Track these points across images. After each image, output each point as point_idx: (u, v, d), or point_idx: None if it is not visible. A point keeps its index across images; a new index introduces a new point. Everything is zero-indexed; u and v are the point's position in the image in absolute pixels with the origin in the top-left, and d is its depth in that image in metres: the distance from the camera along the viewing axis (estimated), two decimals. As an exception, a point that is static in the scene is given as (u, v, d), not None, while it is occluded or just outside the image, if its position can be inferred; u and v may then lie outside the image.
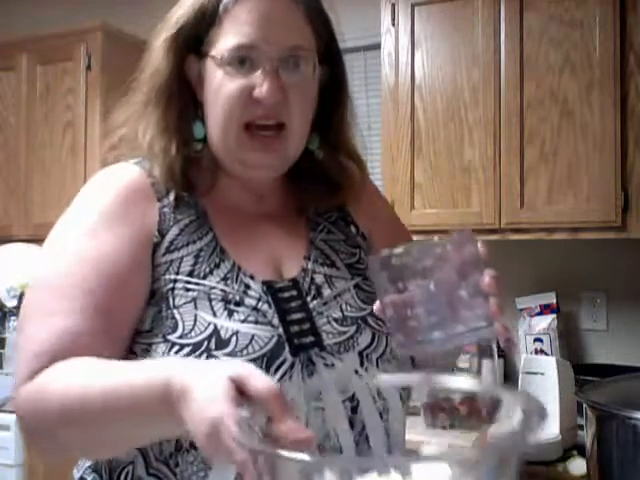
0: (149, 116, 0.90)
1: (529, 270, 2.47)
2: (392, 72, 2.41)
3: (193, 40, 0.89)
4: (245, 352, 0.80)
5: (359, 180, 1.00)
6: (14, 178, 3.01)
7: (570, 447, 1.86)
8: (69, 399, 0.73)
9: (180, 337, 0.80)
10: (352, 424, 0.83)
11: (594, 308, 2.48)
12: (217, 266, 0.86)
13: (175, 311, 0.82)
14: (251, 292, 0.85)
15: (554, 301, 2.42)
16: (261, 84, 0.85)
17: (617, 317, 2.46)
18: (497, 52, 2.26)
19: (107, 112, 3.08)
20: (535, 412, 0.54)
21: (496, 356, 2.41)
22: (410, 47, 2.38)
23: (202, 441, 0.60)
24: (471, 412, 2.28)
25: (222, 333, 0.80)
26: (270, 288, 0.87)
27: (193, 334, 0.80)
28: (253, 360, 0.79)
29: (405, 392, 0.91)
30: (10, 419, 2.56)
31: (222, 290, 0.84)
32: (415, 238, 1.19)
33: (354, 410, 0.83)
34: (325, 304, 0.89)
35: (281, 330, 0.84)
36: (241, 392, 0.59)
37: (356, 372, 0.85)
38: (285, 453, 0.51)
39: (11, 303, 2.74)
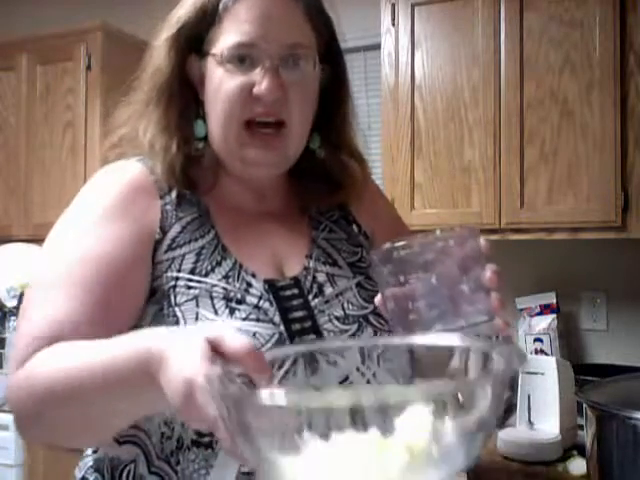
0: (150, 115, 0.91)
1: (529, 270, 2.47)
2: (392, 72, 2.41)
3: (194, 39, 0.89)
4: None
5: (361, 179, 1.00)
6: (14, 178, 3.01)
7: (570, 447, 1.86)
8: (54, 379, 0.72)
9: None
10: (354, 421, 0.83)
11: (594, 308, 2.48)
12: (219, 264, 0.86)
13: (177, 309, 0.82)
14: (253, 290, 0.85)
15: (554, 301, 2.42)
16: (261, 81, 0.85)
17: (617, 317, 2.46)
18: (497, 52, 2.26)
19: (107, 112, 3.08)
20: (514, 356, 0.54)
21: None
22: (410, 47, 2.38)
23: (178, 403, 0.59)
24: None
25: None
26: (272, 286, 0.87)
27: None
28: None
29: None
30: (10, 419, 2.55)
31: (224, 288, 0.84)
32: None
33: None
34: (327, 302, 0.89)
35: (282, 328, 0.84)
36: (219, 353, 0.59)
37: (357, 369, 0.85)
38: (262, 393, 0.50)
39: (11, 303, 2.74)
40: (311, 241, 0.96)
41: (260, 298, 0.85)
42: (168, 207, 0.88)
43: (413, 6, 2.38)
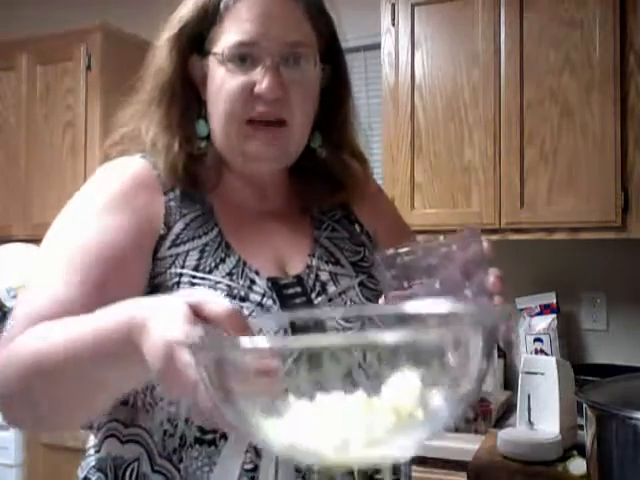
0: (152, 114, 0.91)
1: (529, 270, 2.47)
2: (392, 72, 2.42)
3: (196, 39, 0.90)
4: None
5: (362, 179, 1.00)
6: (14, 178, 3.01)
7: (570, 447, 1.86)
8: (40, 353, 0.72)
9: None
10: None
11: (594, 308, 2.48)
12: (222, 261, 0.86)
13: None
14: (256, 288, 0.86)
15: (554, 301, 2.42)
16: (261, 80, 0.85)
17: (617, 317, 2.46)
18: (497, 52, 2.26)
19: (107, 112, 3.07)
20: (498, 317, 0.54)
21: (496, 356, 2.41)
22: (410, 47, 2.38)
23: (158, 367, 0.58)
24: (478, 414, 2.26)
25: None
26: (275, 284, 0.87)
27: None
28: None
29: None
30: (10, 419, 2.56)
31: (227, 285, 0.84)
32: (416, 238, 1.20)
33: None
34: (330, 301, 0.89)
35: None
36: (201, 318, 0.59)
37: (359, 366, 0.86)
38: (243, 340, 0.50)
39: (11, 303, 2.73)
40: (314, 240, 0.96)
41: (263, 296, 0.85)
42: (172, 203, 0.89)
43: (413, 6, 2.38)
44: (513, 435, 1.87)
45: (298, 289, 0.88)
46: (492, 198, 2.25)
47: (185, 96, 0.91)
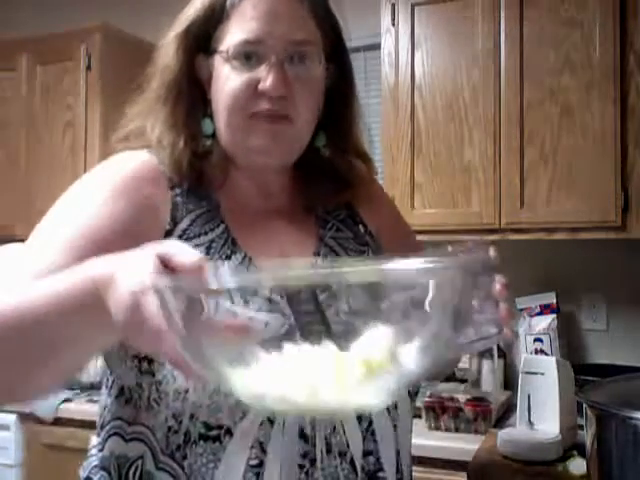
0: (158, 112, 0.92)
1: (529, 270, 2.47)
2: (392, 72, 2.41)
3: (203, 38, 0.90)
4: None
5: (367, 178, 1.00)
6: (14, 178, 3.01)
7: (570, 447, 1.86)
8: (5, 313, 0.70)
9: None
10: (359, 418, 0.84)
11: (594, 308, 2.48)
12: (229, 257, 0.87)
13: None
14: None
15: (554, 301, 2.42)
16: (266, 78, 0.86)
17: (617, 317, 2.46)
18: (497, 52, 2.26)
19: (107, 112, 3.05)
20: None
21: (496, 356, 2.41)
22: (410, 47, 2.38)
23: (122, 318, 0.58)
24: (478, 414, 2.27)
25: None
26: None
27: None
28: None
29: (414, 388, 0.92)
30: (10, 419, 2.56)
31: None
32: (416, 238, 1.20)
33: None
34: (334, 297, 0.90)
35: (292, 319, 0.84)
36: (169, 268, 0.58)
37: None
38: (211, 273, 0.50)
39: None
40: (319, 239, 0.96)
41: (272, 291, 0.86)
42: (179, 199, 0.89)
43: (413, 6, 2.38)
44: (513, 435, 1.87)
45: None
46: (492, 198, 2.25)
47: (191, 95, 0.91)
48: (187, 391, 0.79)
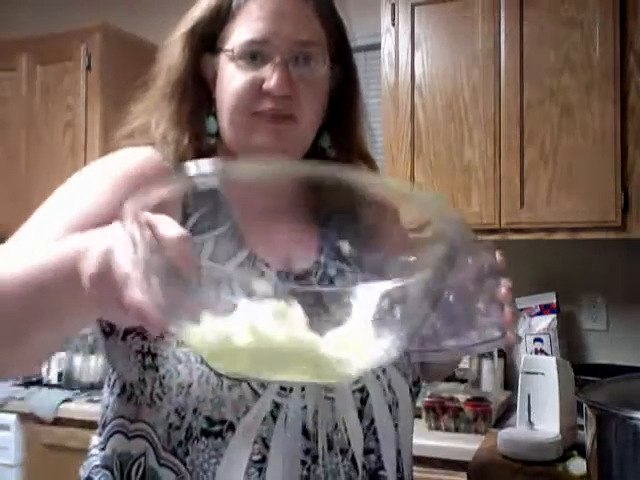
0: (163, 110, 0.92)
1: (529, 270, 2.47)
2: (392, 72, 2.42)
3: (209, 37, 0.91)
4: None
5: None
6: (14, 178, 3.01)
7: (570, 447, 1.86)
8: None
9: None
10: (361, 416, 0.84)
11: (594, 308, 2.48)
12: (234, 254, 0.87)
13: None
14: (267, 279, 0.86)
15: (554, 301, 2.42)
16: (270, 77, 0.86)
17: (617, 317, 2.46)
18: (497, 52, 2.26)
19: (107, 112, 3.05)
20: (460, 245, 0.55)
21: (496, 356, 2.41)
22: (410, 47, 2.39)
23: (89, 278, 0.58)
24: (478, 414, 2.27)
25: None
26: (285, 278, 0.88)
27: None
28: None
29: (415, 388, 0.92)
30: (10, 419, 2.56)
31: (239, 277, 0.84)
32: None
33: (363, 402, 0.84)
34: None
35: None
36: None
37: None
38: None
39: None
40: (321, 238, 0.96)
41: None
42: (186, 194, 0.89)
43: (413, 6, 2.38)
44: (513, 435, 1.87)
45: (306, 282, 0.89)
46: (492, 198, 2.25)
47: (196, 93, 0.92)
48: (190, 385, 0.79)
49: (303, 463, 0.80)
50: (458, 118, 2.31)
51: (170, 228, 0.56)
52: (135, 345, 0.84)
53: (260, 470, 0.79)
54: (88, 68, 2.85)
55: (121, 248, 0.56)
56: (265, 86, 0.86)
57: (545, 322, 2.39)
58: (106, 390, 0.92)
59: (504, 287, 0.76)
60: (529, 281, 2.45)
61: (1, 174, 3.05)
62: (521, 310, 2.43)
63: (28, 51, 2.98)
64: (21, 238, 0.83)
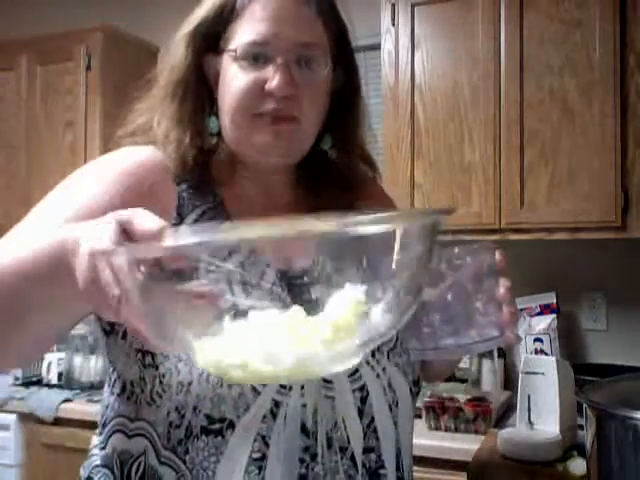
0: (165, 109, 0.92)
1: (529, 270, 2.47)
2: (392, 72, 2.42)
3: (212, 37, 0.91)
4: None
5: (371, 183, 1.01)
6: (14, 178, 3.01)
7: (570, 447, 1.86)
8: None
9: None
10: (361, 415, 0.84)
11: (594, 308, 2.48)
12: (234, 251, 0.87)
13: None
14: (266, 277, 0.86)
15: (554, 301, 2.42)
16: (272, 78, 0.86)
17: (617, 317, 2.46)
18: (497, 52, 2.26)
19: (107, 112, 3.05)
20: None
21: (496, 356, 2.41)
22: (410, 47, 2.39)
23: (82, 280, 0.59)
24: (478, 414, 2.27)
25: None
26: (284, 276, 0.88)
27: None
28: None
29: (416, 387, 0.92)
30: (10, 419, 2.56)
31: (240, 274, 0.85)
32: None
33: (363, 400, 0.84)
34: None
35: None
36: (130, 235, 0.59)
37: (367, 363, 0.86)
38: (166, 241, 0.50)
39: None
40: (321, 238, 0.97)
41: (273, 284, 0.86)
42: (184, 194, 0.90)
43: (413, 6, 2.38)
44: (513, 435, 1.87)
45: (306, 280, 0.89)
46: (492, 198, 2.25)
47: (198, 93, 0.92)
48: (190, 383, 0.79)
49: (302, 461, 0.80)
50: (458, 118, 2.31)
51: (148, 221, 0.57)
52: (135, 343, 0.84)
53: (260, 468, 0.79)
54: (88, 68, 2.85)
55: (103, 256, 0.56)
56: (267, 87, 0.86)
57: (545, 322, 2.39)
58: (106, 390, 0.92)
59: (503, 287, 0.77)
60: (529, 281, 2.45)
61: (1, 174, 3.05)
62: (521, 310, 2.43)
63: (28, 51, 2.98)
64: (18, 232, 0.84)
